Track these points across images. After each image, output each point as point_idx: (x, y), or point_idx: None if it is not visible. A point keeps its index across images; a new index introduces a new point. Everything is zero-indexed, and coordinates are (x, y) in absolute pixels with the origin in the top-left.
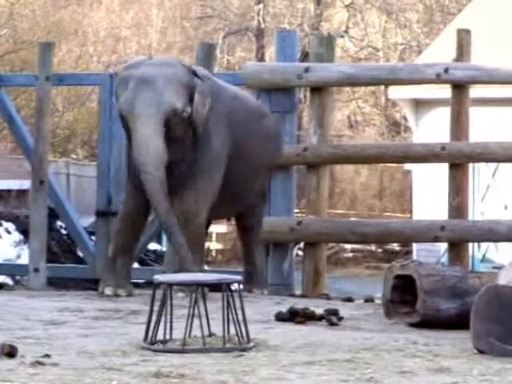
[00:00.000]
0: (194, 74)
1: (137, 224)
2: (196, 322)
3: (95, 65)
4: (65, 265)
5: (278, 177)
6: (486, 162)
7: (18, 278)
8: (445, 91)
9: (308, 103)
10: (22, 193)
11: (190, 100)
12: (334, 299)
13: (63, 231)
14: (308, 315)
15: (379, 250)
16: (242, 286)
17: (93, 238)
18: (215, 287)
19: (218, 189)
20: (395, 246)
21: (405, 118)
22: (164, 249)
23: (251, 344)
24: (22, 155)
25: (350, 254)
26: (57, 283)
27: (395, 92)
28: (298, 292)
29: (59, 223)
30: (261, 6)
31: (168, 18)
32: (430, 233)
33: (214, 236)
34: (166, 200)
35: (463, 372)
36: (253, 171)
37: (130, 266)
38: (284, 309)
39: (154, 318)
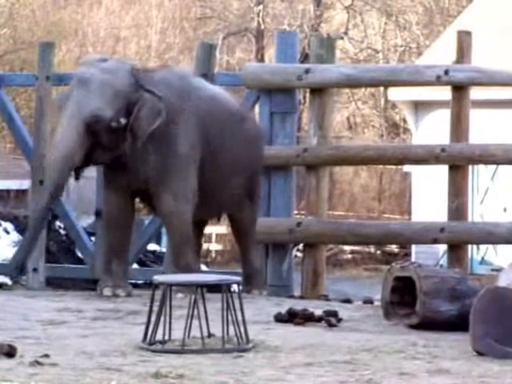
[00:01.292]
0: (141, 86)
1: (122, 222)
2: (195, 322)
3: None
4: (64, 265)
5: (277, 178)
6: (486, 164)
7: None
8: (445, 93)
9: (308, 104)
10: (21, 193)
11: (127, 111)
12: (333, 300)
13: (62, 231)
14: (307, 316)
15: (378, 252)
16: (241, 287)
17: (92, 238)
18: (214, 288)
19: (195, 189)
20: (394, 248)
21: (404, 120)
22: (163, 250)
23: (250, 345)
24: (21, 155)
25: (349, 256)
26: (56, 283)
27: (395, 94)
28: (297, 293)
29: (58, 223)
30: (260, 7)
31: (168, 19)
32: (429, 234)
33: (213, 237)
34: (52, 202)
35: (462, 374)
36: (231, 173)
37: (126, 266)
38: (283, 310)
39: (153, 318)
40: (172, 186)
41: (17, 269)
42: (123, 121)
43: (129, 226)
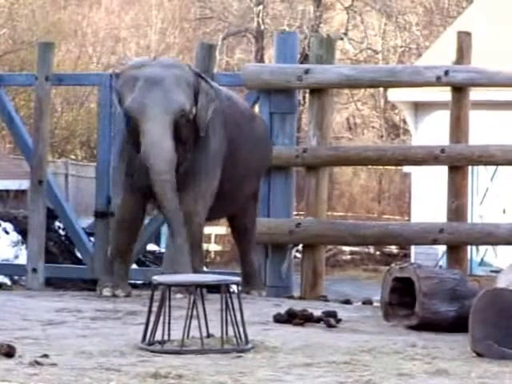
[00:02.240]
0: (199, 75)
1: (134, 226)
2: (194, 322)
3: (95, 65)
4: (63, 265)
5: (277, 178)
6: (486, 164)
7: (16, 278)
8: (444, 94)
9: (307, 105)
10: (20, 193)
11: (195, 101)
12: (333, 301)
13: (62, 232)
14: (306, 317)
15: (377, 253)
16: (240, 288)
17: (91, 238)
18: (214, 288)
19: (215, 190)
20: (393, 249)
21: (404, 121)
22: (162, 250)
23: (249, 345)
24: (20, 155)
25: (349, 257)
26: (55, 283)
27: (395, 94)
28: (296, 294)
29: (58, 224)
30: (260, 7)
31: (167, 19)
32: (428, 235)
33: (212, 237)
34: (176, 200)
35: (461, 375)
36: (245, 173)
37: (128, 268)
38: (282, 310)
39: (152, 318)
40: (197, 187)
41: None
42: (194, 111)
43: (139, 229)
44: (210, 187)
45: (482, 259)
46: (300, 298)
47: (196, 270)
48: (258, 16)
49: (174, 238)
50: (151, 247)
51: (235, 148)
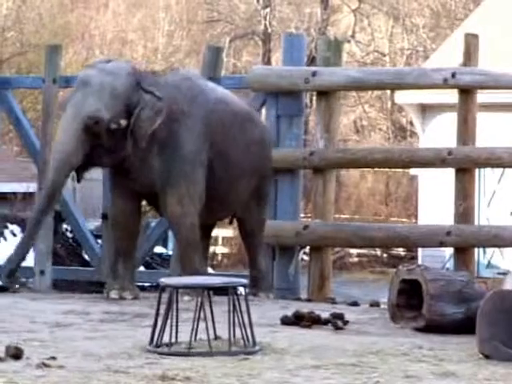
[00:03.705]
0: (142, 88)
1: (128, 226)
2: (202, 325)
3: None
4: (70, 267)
5: (284, 181)
6: (493, 167)
7: (23, 280)
8: (452, 96)
9: (315, 107)
10: (27, 196)
11: (128, 113)
12: (340, 303)
13: (69, 234)
14: (314, 319)
15: (384, 255)
16: (247, 290)
17: (99, 241)
18: (221, 291)
19: (202, 192)
20: (400, 251)
21: (411, 123)
22: (170, 252)
23: (257, 347)
24: (28, 158)
25: (356, 259)
26: (62, 286)
27: (401, 97)
28: (303, 296)
29: (65, 226)
30: (267, 10)
31: (175, 22)
32: (436, 237)
33: (219, 240)
34: (48, 204)
35: (468, 376)
36: (238, 174)
37: (133, 269)
38: (290, 313)
39: (159, 320)
40: (178, 189)
41: (10, 272)
42: (123, 122)
43: (135, 229)
44: (194, 188)
45: (489, 261)
46: (307, 300)
47: (198, 272)
48: (265, 18)
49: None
50: (159, 250)
51: (224, 149)
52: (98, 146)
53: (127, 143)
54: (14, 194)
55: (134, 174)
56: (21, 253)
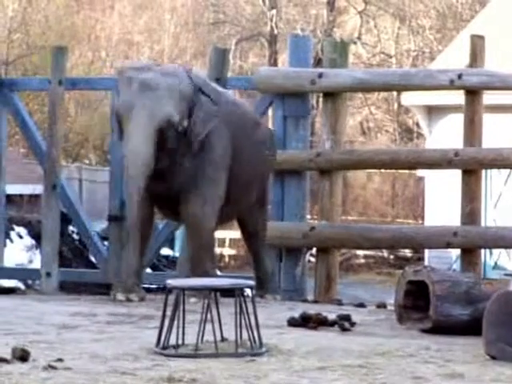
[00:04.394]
0: (199, 89)
1: (145, 229)
2: (208, 326)
3: (108, 70)
4: (77, 269)
5: (290, 182)
6: (499, 168)
7: (29, 282)
8: (458, 97)
9: (321, 109)
10: (34, 197)
11: (189, 114)
12: (347, 305)
13: (75, 236)
14: (320, 321)
15: (391, 257)
16: (254, 291)
17: (105, 242)
18: (228, 292)
19: (222, 196)
20: (407, 253)
21: (417, 125)
22: (176, 254)
23: (263, 349)
24: (34, 160)
25: (362, 261)
26: (69, 288)
27: (408, 98)
28: (310, 297)
29: (71, 228)
30: (274, 11)
31: (180, 24)
32: (442, 238)
33: (226, 242)
34: (138, 209)
35: (475, 378)
36: (249, 178)
37: (141, 272)
38: (296, 314)
39: (166, 322)
40: (203, 192)
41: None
42: (186, 124)
43: (151, 233)
44: (217, 191)
45: (495, 263)
46: (314, 302)
47: (209, 274)
48: (271, 20)
49: (126, 248)
50: (165, 251)
51: (239, 153)
52: (161, 149)
53: (182, 145)
54: (21, 195)
55: (167, 176)
56: (132, 263)
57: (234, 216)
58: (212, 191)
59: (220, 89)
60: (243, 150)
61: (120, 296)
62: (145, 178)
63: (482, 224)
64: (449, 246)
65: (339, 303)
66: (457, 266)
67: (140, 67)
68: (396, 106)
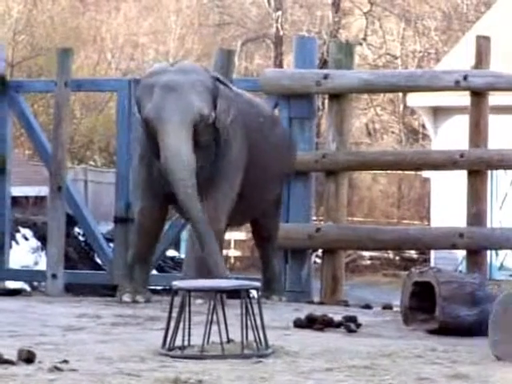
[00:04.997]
0: (217, 79)
1: (154, 231)
2: (214, 328)
3: (113, 71)
4: (83, 271)
5: (296, 183)
6: (505, 169)
7: (35, 284)
8: (464, 98)
9: (326, 110)
10: (39, 199)
11: (214, 105)
12: (353, 306)
13: (81, 238)
14: (326, 322)
15: (397, 258)
16: (260, 293)
17: (111, 244)
18: (233, 293)
19: (236, 195)
20: (413, 254)
21: (423, 126)
22: (182, 256)
23: (269, 350)
24: (39, 162)
25: (368, 262)
26: (74, 289)
27: (414, 99)
28: (316, 299)
29: (77, 230)
30: (279, 13)
31: (186, 25)
32: (448, 240)
33: (232, 243)
34: (200, 206)
35: (481, 379)
36: (266, 178)
37: (148, 273)
38: (302, 315)
39: (172, 324)
40: (217, 193)
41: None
42: (213, 115)
43: (160, 235)
44: (231, 193)
45: (501, 264)
46: (320, 303)
47: (226, 276)
48: (276, 22)
49: (203, 246)
50: (171, 253)
51: (256, 153)
52: (196, 145)
53: (211, 138)
54: (26, 197)
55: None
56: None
57: (248, 217)
58: (226, 193)
59: (236, 89)
60: (259, 149)
61: (126, 297)
62: (193, 177)
63: (488, 225)
64: (455, 247)
65: (345, 304)
66: (463, 267)
67: (155, 72)
68: (402, 107)
